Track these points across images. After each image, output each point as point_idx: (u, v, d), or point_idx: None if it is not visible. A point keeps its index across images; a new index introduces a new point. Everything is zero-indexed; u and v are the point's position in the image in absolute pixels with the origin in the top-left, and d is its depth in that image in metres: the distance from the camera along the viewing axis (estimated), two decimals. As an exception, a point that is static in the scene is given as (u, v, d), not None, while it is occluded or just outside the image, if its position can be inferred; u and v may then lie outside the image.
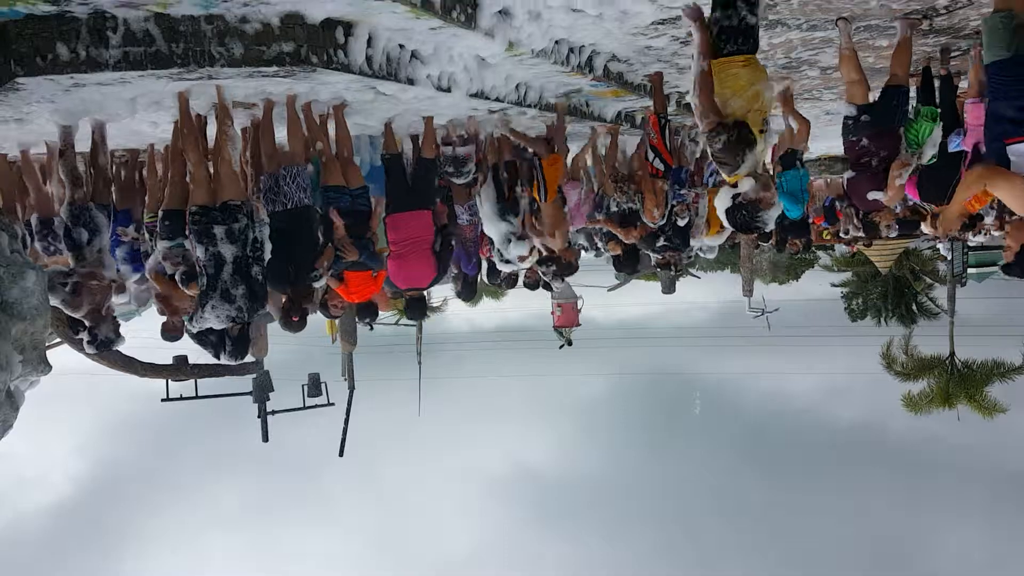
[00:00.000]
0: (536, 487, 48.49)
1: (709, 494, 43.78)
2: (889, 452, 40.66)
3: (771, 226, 4.47)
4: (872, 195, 5.65)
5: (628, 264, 8.43)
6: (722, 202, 4.28)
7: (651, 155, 7.25)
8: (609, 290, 31.48)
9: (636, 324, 48.14)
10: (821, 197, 16.12)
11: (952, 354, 25.25)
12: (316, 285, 5.25)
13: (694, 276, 33.53)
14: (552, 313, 24.23)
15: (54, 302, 5.17)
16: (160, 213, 5.37)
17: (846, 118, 5.65)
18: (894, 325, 30.05)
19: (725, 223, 4.46)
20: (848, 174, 5.92)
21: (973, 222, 9.72)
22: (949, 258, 27.07)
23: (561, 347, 25.20)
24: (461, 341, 43.76)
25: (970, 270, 28.38)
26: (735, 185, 4.13)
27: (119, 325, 5.85)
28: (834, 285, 34.83)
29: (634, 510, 43.64)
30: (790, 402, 48.25)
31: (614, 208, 8.16)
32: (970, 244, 24.81)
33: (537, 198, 7.24)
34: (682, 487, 44.53)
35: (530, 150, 7.57)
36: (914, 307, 30.73)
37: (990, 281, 29.04)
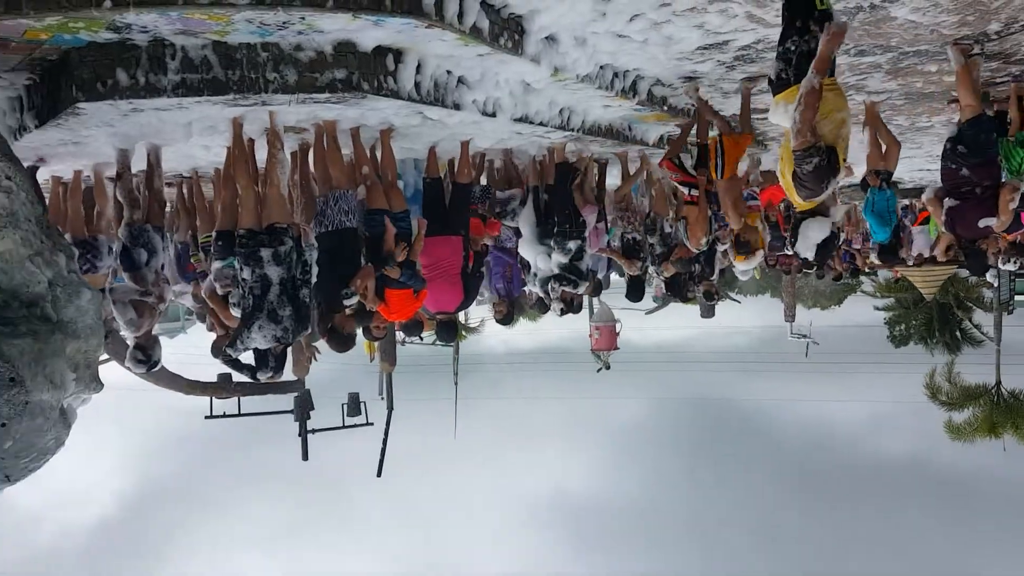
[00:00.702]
0: (572, 511, 48.11)
1: (748, 522, 43.11)
2: (934, 482, 39.78)
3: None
4: (984, 222, 5.52)
5: (635, 294, 8.34)
6: (818, 233, 4.14)
7: (686, 190, 7.32)
8: (647, 313, 31.35)
9: (675, 348, 47.74)
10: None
11: (998, 383, 24.70)
12: (347, 303, 5.29)
13: (734, 300, 33.29)
14: (590, 336, 24.11)
15: (121, 321, 5.30)
16: (214, 234, 5.50)
17: (945, 144, 5.55)
18: (938, 353, 29.50)
19: (809, 254, 4.33)
20: (949, 202, 5.72)
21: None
22: (996, 285, 26.51)
23: (599, 370, 25.06)
24: (498, 363, 43.80)
25: (1017, 297, 27.81)
26: (812, 212, 4.03)
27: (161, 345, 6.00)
28: (877, 309, 34.31)
29: (672, 537, 43.09)
30: (832, 429, 47.28)
31: (616, 242, 8.16)
32: (1017, 271, 24.32)
33: (713, 175, 7.15)
34: (721, 514, 43.90)
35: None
36: (959, 334, 30.17)
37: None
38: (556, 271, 7.28)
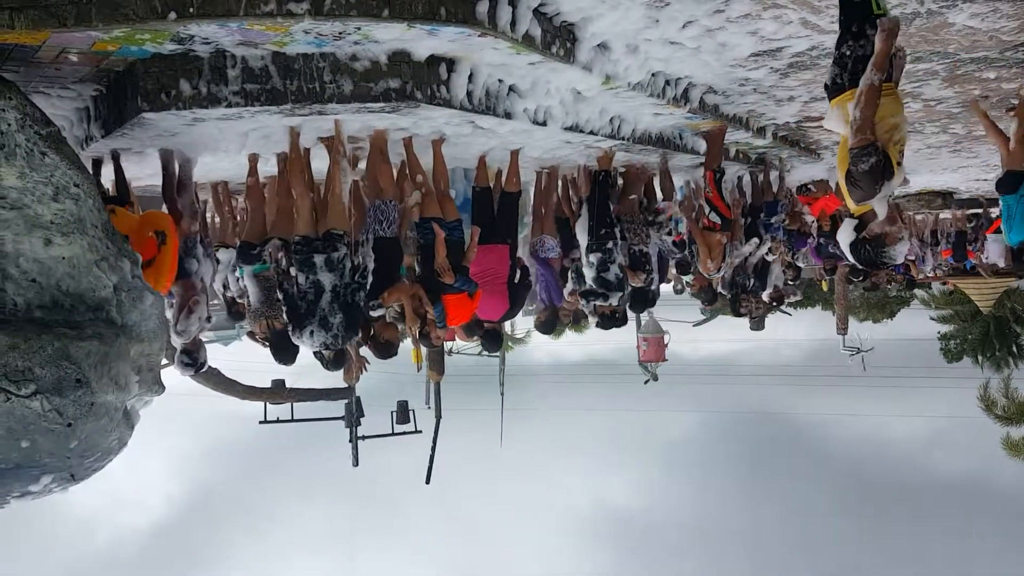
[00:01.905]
0: (618, 523, 47.74)
1: (799, 539, 42.29)
2: (991, 500, 38.56)
3: (899, 261, 4.30)
4: None
5: (639, 305, 8.26)
6: (845, 236, 4.13)
7: (707, 208, 7.28)
8: (695, 325, 31.03)
9: (724, 361, 47.17)
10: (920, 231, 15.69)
11: (1058, 399, 23.93)
12: (375, 314, 5.35)
13: (785, 313, 32.79)
14: (638, 347, 23.98)
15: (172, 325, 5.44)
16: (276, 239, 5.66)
17: None
18: (993, 367, 28.69)
19: (849, 257, 4.30)
20: None
21: None
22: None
23: (647, 382, 24.91)
24: (545, 374, 43.70)
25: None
26: (859, 218, 3.98)
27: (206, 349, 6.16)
28: (933, 319, 33.49)
29: (720, 554, 42.45)
30: (886, 444, 46.24)
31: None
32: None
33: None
34: (771, 532, 43.14)
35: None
36: (1015, 349, 29.35)
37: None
38: (588, 285, 7.32)
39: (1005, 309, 28.94)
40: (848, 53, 3.65)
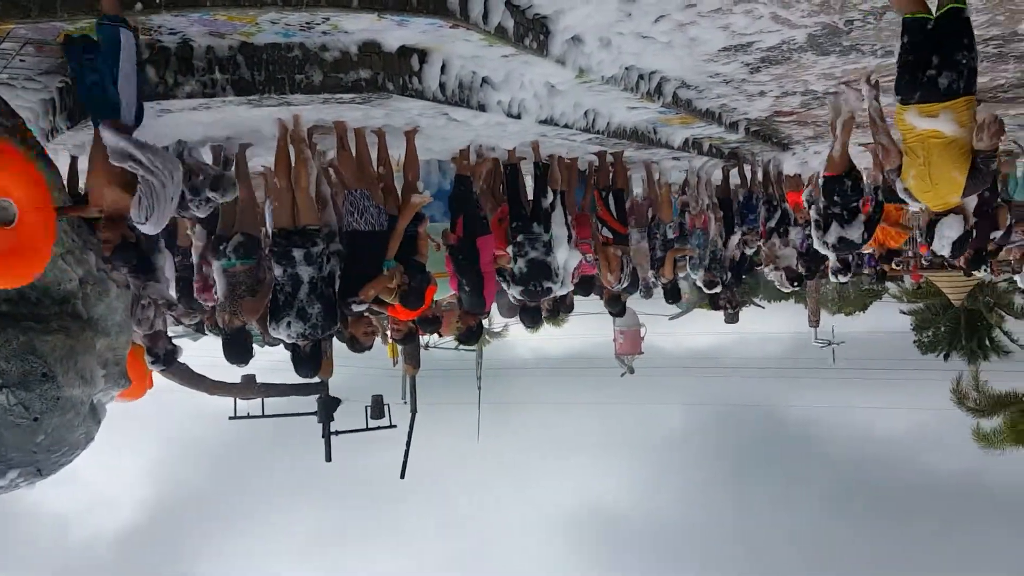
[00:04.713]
0: (595, 512, 48.01)
1: (780, 528, 42.74)
2: (975, 493, 39.09)
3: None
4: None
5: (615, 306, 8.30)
6: (954, 230, 4.46)
7: (599, 225, 7.33)
8: (671, 318, 31.23)
9: (701, 353, 47.45)
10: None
11: (1030, 390, 24.30)
12: (355, 310, 5.30)
13: (758, 306, 33.04)
14: (614, 340, 24.09)
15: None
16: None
17: None
18: (966, 359, 29.06)
19: (946, 252, 4.67)
20: None
21: None
22: (1027, 291, 26.14)
23: (623, 375, 25.05)
24: (523, 368, 43.75)
25: (1050, 303, 27.38)
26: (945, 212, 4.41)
27: (171, 337, 6.06)
28: (903, 313, 33.86)
29: (699, 546, 42.82)
30: (866, 435, 46.63)
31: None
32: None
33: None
34: (752, 521, 43.55)
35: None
36: (987, 341, 29.73)
37: (1070, 316, 27.93)
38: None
39: (978, 302, 29.31)
40: (964, 62, 3.89)
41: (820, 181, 7.08)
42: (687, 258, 8.85)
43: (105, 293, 4.22)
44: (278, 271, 4.93)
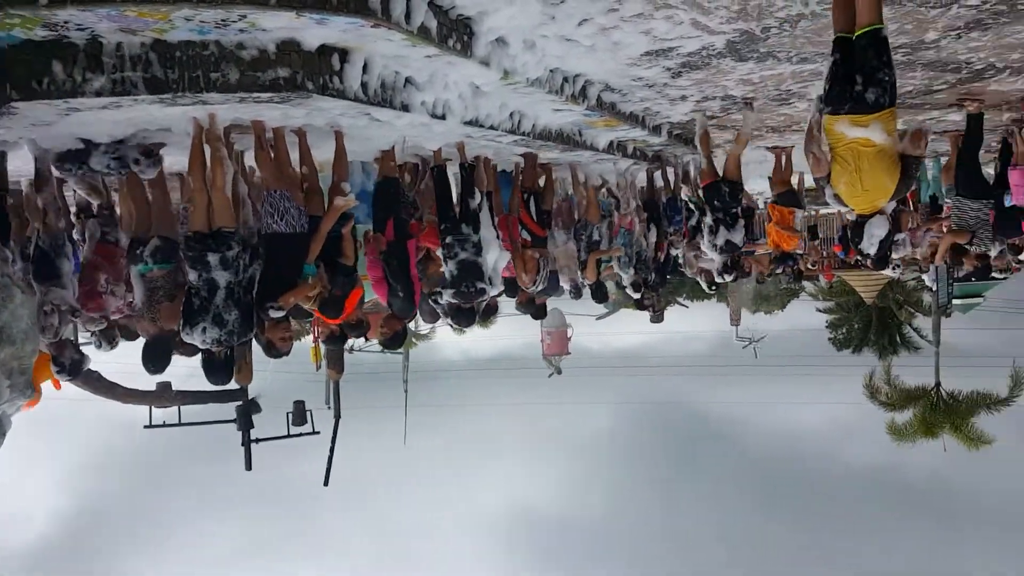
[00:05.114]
0: (523, 515, 48.17)
1: (706, 524, 43.50)
2: (895, 486, 40.48)
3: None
4: None
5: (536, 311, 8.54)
6: (882, 229, 5.13)
7: (519, 227, 7.62)
8: (598, 319, 31.56)
9: (627, 353, 48.08)
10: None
11: (938, 385, 25.33)
12: (273, 315, 5.18)
13: (682, 305, 33.68)
14: (542, 341, 24.22)
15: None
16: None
17: None
18: (880, 355, 30.13)
19: (872, 250, 5.33)
20: None
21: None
22: (934, 289, 27.22)
23: (551, 375, 25.22)
24: (450, 370, 43.62)
25: (955, 301, 28.55)
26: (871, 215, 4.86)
27: (78, 346, 5.84)
28: (820, 311, 34.98)
29: (629, 546, 43.32)
30: (787, 431, 47.86)
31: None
32: (956, 275, 25.02)
33: None
34: (678, 518, 44.27)
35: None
36: (898, 338, 30.88)
37: (975, 312, 29.21)
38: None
39: (889, 299, 30.43)
40: (886, 79, 4.10)
41: (700, 192, 7.76)
42: (617, 258, 8.97)
43: (9, 299, 4.03)
44: (193, 276, 4.75)
